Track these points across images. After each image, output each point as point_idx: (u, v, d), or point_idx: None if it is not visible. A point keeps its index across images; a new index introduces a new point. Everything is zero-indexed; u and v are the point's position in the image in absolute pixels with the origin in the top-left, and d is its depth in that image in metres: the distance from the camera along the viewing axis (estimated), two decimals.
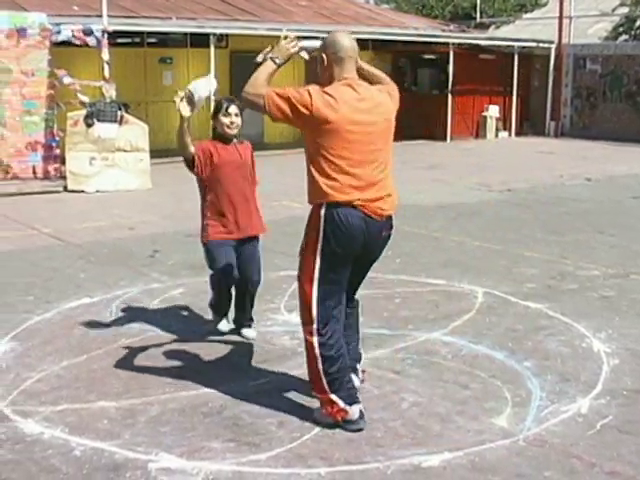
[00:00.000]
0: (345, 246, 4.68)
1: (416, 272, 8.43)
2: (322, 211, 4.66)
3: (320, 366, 4.73)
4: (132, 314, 7.01)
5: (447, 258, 9.15)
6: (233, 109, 6.02)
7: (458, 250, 9.60)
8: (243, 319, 6.46)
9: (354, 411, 4.73)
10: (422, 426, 4.78)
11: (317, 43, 4.98)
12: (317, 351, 4.73)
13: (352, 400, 4.76)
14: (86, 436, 4.66)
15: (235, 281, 6.26)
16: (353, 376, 4.99)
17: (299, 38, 4.99)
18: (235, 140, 6.21)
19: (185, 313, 7.09)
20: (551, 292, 7.74)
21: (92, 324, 6.72)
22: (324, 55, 4.79)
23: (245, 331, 6.41)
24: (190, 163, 6.04)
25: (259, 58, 4.95)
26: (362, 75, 4.98)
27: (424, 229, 10.78)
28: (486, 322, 6.78)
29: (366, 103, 4.70)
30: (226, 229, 6.12)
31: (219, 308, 6.49)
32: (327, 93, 4.66)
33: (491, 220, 11.65)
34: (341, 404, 4.71)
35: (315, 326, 4.72)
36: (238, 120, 6.08)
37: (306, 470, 4.27)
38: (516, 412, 4.97)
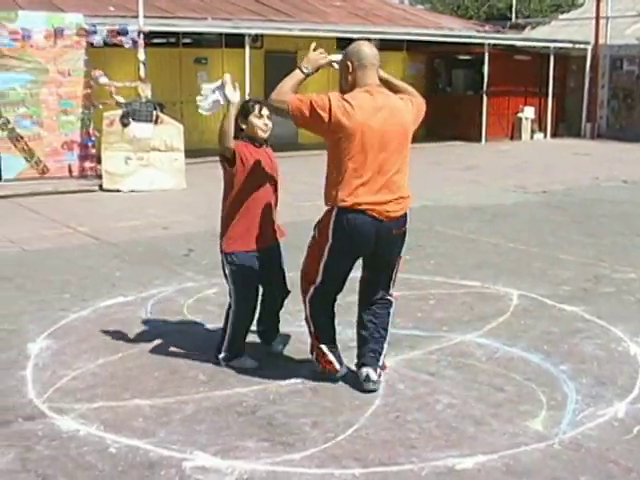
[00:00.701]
0: (351, 249, 5.09)
1: (451, 273, 8.40)
2: (333, 215, 5.00)
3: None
4: (167, 313, 7.05)
5: (482, 260, 9.11)
6: (265, 111, 5.67)
7: (493, 252, 9.56)
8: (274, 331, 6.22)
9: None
10: (456, 428, 4.76)
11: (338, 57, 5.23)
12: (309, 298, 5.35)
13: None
14: (121, 434, 4.69)
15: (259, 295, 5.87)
16: (370, 370, 5.27)
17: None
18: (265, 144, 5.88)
19: (220, 312, 7.09)
20: (587, 295, 7.68)
21: (127, 322, 6.76)
22: (347, 63, 4.99)
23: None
24: (230, 159, 5.66)
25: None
26: (385, 85, 5.13)
27: (459, 230, 10.74)
28: (521, 324, 6.74)
29: (383, 110, 4.90)
30: (254, 238, 5.76)
31: (241, 345, 5.87)
32: (345, 99, 4.93)
33: (526, 222, 11.58)
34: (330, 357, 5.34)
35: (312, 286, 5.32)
36: (270, 123, 5.76)
37: (340, 470, 4.27)
38: (551, 415, 4.94)
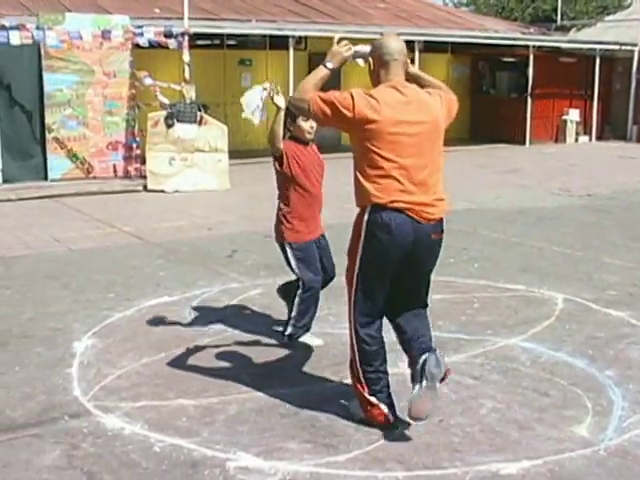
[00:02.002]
0: (387, 252, 4.59)
1: (495, 277, 8.35)
2: (366, 215, 4.61)
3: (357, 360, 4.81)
4: (211, 313, 7.08)
5: (526, 263, 9.04)
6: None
7: (538, 255, 9.48)
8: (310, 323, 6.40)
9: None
10: (500, 433, 4.73)
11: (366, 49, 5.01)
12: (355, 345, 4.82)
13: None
14: (165, 433, 4.72)
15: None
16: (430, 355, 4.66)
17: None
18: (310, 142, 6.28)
19: (263, 314, 7.13)
20: (633, 300, 7.59)
21: (171, 322, 6.81)
22: (372, 58, 4.80)
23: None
24: (279, 159, 6.07)
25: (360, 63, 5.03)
26: (414, 81, 4.95)
27: (503, 233, 10.67)
28: (566, 329, 6.68)
29: (412, 105, 4.61)
30: (309, 229, 6.23)
31: (308, 320, 6.31)
32: (370, 95, 4.63)
33: (571, 225, 11.47)
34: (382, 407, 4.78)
35: (354, 325, 4.82)
36: (316, 125, 6.00)
37: (383, 473, 4.26)
38: (597, 421, 4.89)
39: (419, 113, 4.64)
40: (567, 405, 5.13)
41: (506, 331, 6.60)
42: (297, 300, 6.19)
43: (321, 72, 4.87)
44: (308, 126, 6.05)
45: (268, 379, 5.54)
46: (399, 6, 25.02)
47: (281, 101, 5.91)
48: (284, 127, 6.03)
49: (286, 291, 6.46)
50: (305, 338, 6.31)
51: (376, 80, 4.82)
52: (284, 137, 6.04)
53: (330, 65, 4.88)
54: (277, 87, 5.92)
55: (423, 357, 4.64)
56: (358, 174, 4.68)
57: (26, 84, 15.34)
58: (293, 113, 5.89)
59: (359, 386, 4.82)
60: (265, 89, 6.00)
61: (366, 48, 4.98)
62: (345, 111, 4.60)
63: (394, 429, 4.73)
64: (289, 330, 6.25)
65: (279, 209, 6.24)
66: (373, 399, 4.77)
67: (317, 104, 4.66)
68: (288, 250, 6.16)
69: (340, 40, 4.97)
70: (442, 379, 4.68)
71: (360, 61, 5.04)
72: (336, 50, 4.92)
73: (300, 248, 6.15)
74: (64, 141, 15.62)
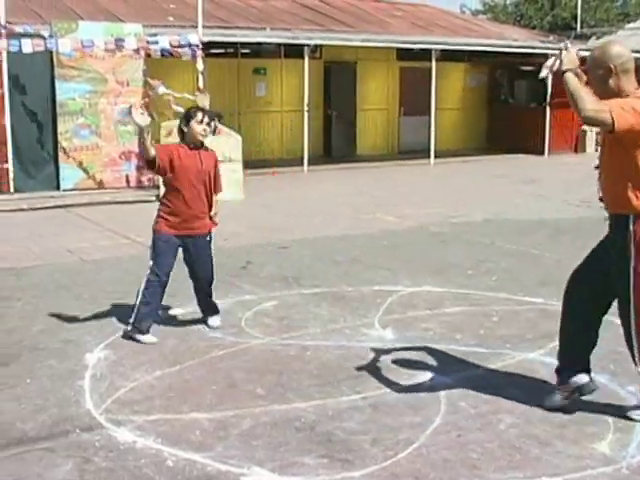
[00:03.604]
0: None
1: (513, 289, 8.32)
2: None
3: None
4: (225, 325, 7.09)
5: (545, 276, 9.01)
6: (206, 119, 6.61)
7: (556, 268, 9.44)
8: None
9: None
10: (520, 449, 4.71)
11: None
12: None
13: None
14: (178, 447, 4.73)
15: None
16: None
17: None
18: (202, 147, 6.78)
19: (278, 326, 7.13)
20: None
21: (185, 334, 6.82)
22: (612, 66, 4.79)
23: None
24: (151, 163, 6.57)
25: (543, 73, 5.03)
26: None
27: (522, 245, 10.64)
28: None
29: None
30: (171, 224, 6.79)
31: (147, 317, 6.75)
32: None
33: (591, 238, 11.30)
34: None
35: None
36: (209, 129, 6.64)
37: None
38: (619, 438, 4.86)
39: None
40: (588, 421, 5.10)
41: (525, 345, 6.58)
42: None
43: (576, 80, 4.82)
44: (201, 129, 6.58)
45: (283, 393, 5.54)
46: (416, 14, 25.06)
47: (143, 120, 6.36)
48: (178, 131, 6.73)
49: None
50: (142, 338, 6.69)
51: (612, 90, 4.81)
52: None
53: (573, 70, 4.86)
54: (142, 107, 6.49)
55: None
56: (629, 179, 4.79)
57: (38, 93, 15.43)
58: (189, 116, 6.58)
59: None
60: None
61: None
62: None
63: None
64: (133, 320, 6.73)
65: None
66: None
67: (618, 113, 4.64)
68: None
69: (566, 47, 5.00)
70: None
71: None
72: (572, 56, 4.92)
73: (159, 237, 6.82)
74: (76, 150, 15.69)
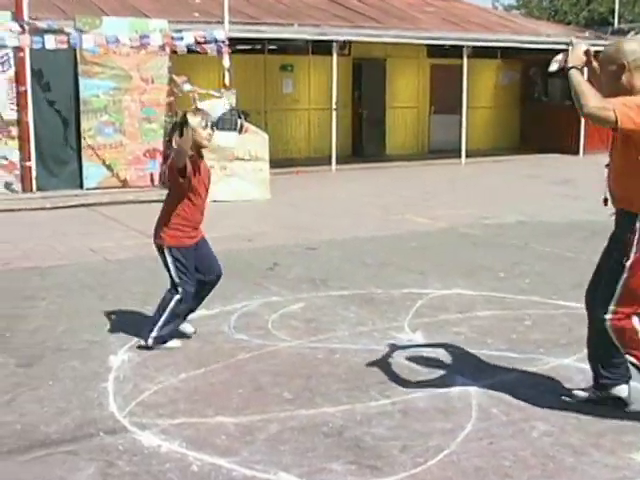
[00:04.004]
0: None
1: (547, 293, 8.28)
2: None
3: None
4: (251, 328, 7.11)
5: (580, 279, 8.88)
6: (210, 123, 6.55)
7: (592, 271, 9.36)
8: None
9: None
10: (554, 457, 4.68)
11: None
12: None
13: None
14: (204, 451, 4.74)
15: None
16: None
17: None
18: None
19: (306, 328, 7.13)
20: None
21: (210, 337, 6.84)
22: (625, 63, 4.80)
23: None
24: (182, 171, 6.34)
25: (553, 67, 5.02)
26: None
27: (556, 248, 10.59)
28: None
29: None
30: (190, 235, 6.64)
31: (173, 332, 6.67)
32: None
33: None
34: None
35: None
36: (213, 133, 6.64)
37: None
38: None
39: None
40: (625, 430, 5.06)
41: (559, 350, 6.54)
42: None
43: (580, 76, 4.81)
44: (206, 134, 6.45)
45: (311, 397, 5.54)
46: (448, 10, 25.00)
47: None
48: (180, 134, 6.40)
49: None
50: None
51: (624, 87, 4.84)
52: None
53: (580, 67, 4.87)
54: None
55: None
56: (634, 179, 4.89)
57: (61, 90, 15.55)
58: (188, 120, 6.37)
59: None
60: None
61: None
62: None
63: None
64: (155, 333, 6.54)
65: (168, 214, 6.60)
66: None
67: (622, 110, 4.65)
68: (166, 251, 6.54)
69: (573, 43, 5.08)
70: None
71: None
72: (578, 53, 4.90)
73: (180, 252, 6.54)
74: (100, 148, 15.79)
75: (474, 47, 21.53)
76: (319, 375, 5.98)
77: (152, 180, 16.06)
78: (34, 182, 15.43)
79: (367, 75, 22.94)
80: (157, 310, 6.57)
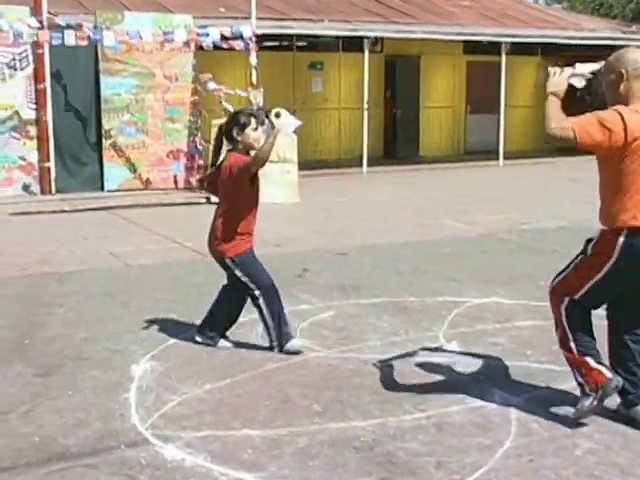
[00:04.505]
0: (633, 275, 5.05)
1: None
2: (621, 238, 5.00)
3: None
4: None
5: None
6: (260, 124, 6.52)
7: None
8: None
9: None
10: (599, 477, 4.63)
11: (590, 67, 5.37)
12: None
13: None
14: (229, 466, 4.74)
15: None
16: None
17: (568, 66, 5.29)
18: None
19: (336, 338, 7.12)
20: None
21: (237, 346, 6.85)
22: (621, 71, 4.92)
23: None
24: (254, 177, 6.44)
25: (579, 83, 5.44)
26: None
27: None
28: None
29: None
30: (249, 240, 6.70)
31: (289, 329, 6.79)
32: (633, 110, 4.88)
33: None
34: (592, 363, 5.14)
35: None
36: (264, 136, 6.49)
37: None
38: None
39: None
40: None
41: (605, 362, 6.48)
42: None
43: (556, 102, 5.10)
44: (256, 135, 6.46)
45: (341, 409, 5.53)
46: (486, 4, 24.94)
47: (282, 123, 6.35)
48: (228, 137, 6.53)
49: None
50: (293, 344, 6.71)
51: (624, 96, 5.01)
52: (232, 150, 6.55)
53: (560, 94, 5.18)
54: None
55: None
56: (610, 193, 5.11)
57: (82, 88, 15.67)
58: (242, 123, 6.42)
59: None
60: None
61: (584, 68, 5.44)
62: (615, 128, 4.84)
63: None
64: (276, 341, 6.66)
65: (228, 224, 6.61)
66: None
67: (582, 128, 4.88)
68: (235, 261, 6.58)
69: (555, 72, 5.32)
70: None
71: (576, 80, 5.45)
72: (558, 79, 5.27)
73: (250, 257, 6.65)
74: (122, 149, 15.90)
75: (513, 43, 21.44)
76: (350, 387, 5.96)
77: (176, 182, 16.13)
78: (53, 184, 15.55)
79: (400, 73, 22.94)
80: (262, 323, 6.71)
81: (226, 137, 6.58)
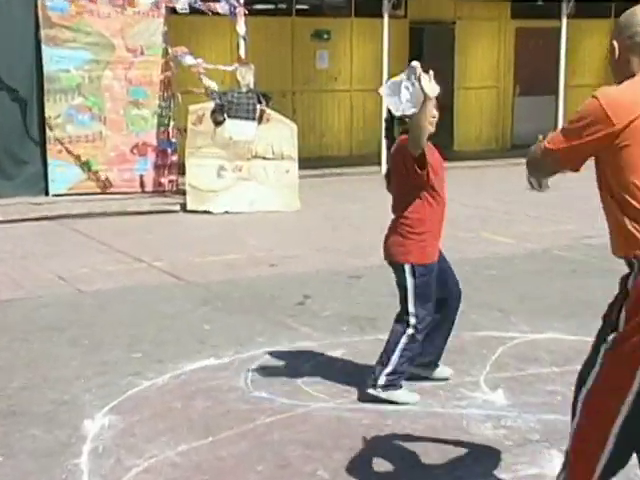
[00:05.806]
0: None
1: None
2: None
3: None
4: (274, 382, 7.11)
5: None
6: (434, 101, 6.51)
7: None
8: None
9: None
10: None
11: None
12: None
13: None
14: None
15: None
16: None
17: None
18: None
19: (348, 383, 7.12)
20: None
21: (220, 394, 6.86)
22: (615, 43, 4.79)
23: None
24: (422, 159, 6.40)
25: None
26: None
27: None
28: None
29: None
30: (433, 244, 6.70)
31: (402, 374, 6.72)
32: (620, 93, 4.59)
33: None
34: None
35: None
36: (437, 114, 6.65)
37: None
38: None
39: None
40: None
41: None
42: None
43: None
44: (431, 116, 6.55)
45: (355, 472, 5.53)
46: None
47: (433, 89, 6.42)
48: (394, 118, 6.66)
49: None
50: (399, 395, 6.64)
51: (625, 71, 4.80)
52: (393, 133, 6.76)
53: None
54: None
55: None
56: (618, 212, 4.50)
57: (18, 62, 15.47)
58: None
59: None
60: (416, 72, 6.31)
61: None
62: (600, 128, 4.55)
63: None
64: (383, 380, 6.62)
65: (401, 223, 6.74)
66: None
67: (559, 146, 4.81)
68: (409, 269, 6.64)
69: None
70: None
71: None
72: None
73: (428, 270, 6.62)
74: (71, 142, 15.84)
75: (577, 1, 21.35)
76: (367, 445, 5.97)
77: (142, 184, 16.07)
78: None
79: (430, 44, 22.93)
80: (385, 348, 6.69)
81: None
